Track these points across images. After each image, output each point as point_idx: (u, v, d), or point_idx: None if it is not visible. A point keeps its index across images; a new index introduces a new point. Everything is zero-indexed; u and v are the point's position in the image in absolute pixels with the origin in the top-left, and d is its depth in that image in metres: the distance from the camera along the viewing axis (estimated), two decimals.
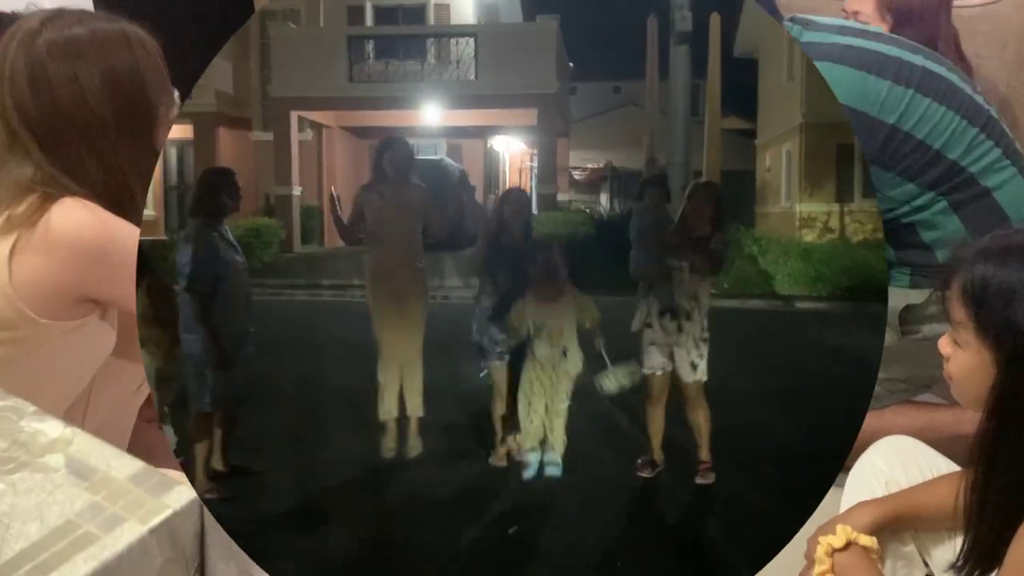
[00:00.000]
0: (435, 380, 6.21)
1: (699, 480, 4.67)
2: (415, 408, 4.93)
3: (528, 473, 4.36)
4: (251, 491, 4.85)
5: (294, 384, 6.38)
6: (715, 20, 17.45)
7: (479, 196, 19.02)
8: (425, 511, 4.35)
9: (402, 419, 4.86)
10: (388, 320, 4.81)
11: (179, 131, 17.32)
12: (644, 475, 4.74)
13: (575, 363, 4.32)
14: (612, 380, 4.46)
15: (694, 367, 4.68)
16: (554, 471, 4.40)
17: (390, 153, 5.08)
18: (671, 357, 4.68)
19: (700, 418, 4.79)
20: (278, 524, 4.66)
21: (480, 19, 21.73)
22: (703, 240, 4.68)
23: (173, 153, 20.77)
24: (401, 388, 4.88)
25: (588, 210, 21.23)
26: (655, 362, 4.73)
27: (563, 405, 4.36)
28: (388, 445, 4.82)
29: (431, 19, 21.85)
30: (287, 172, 18.64)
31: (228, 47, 18.08)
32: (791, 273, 14.53)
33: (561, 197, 16.78)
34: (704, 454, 4.78)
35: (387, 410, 4.87)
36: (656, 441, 4.82)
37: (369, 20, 21.83)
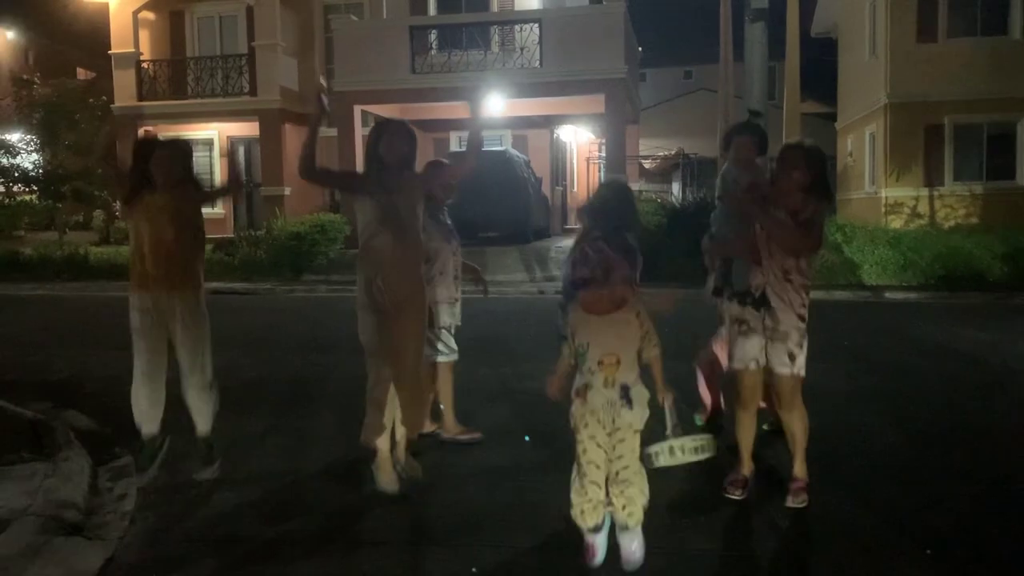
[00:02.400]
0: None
1: (790, 502, 3.93)
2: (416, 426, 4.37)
3: (595, 560, 3.33)
4: None
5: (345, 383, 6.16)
6: None
7: (545, 187, 18.50)
8: None
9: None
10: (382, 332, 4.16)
11: (246, 128, 17.38)
12: (735, 496, 4.03)
13: (639, 414, 3.27)
14: (669, 454, 3.34)
15: (792, 358, 3.90)
16: (633, 553, 3.30)
17: (387, 137, 4.23)
18: (764, 347, 3.95)
19: (795, 422, 4.03)
20: None
21: (545, 3, 21.08)
22: (795, 213, 3.78)
23: (240, 150, 20.83)
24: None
25: (659, 199, 20.51)
26: (747, 353, 3.99)
27: (630, 468, 3.28)
28: (384, 478, 4.19)
29: (494, 6, 21.36)
30: (352, 166, 18.46)
31: (292, 43, 17.88)
32: (879, 261, 13.65)
33: (631, 187, 15.87)
34: (798, 468, 4.05)
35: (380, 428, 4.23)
36: (747, 452, 4.15)
37: (432, 10, 21.40)
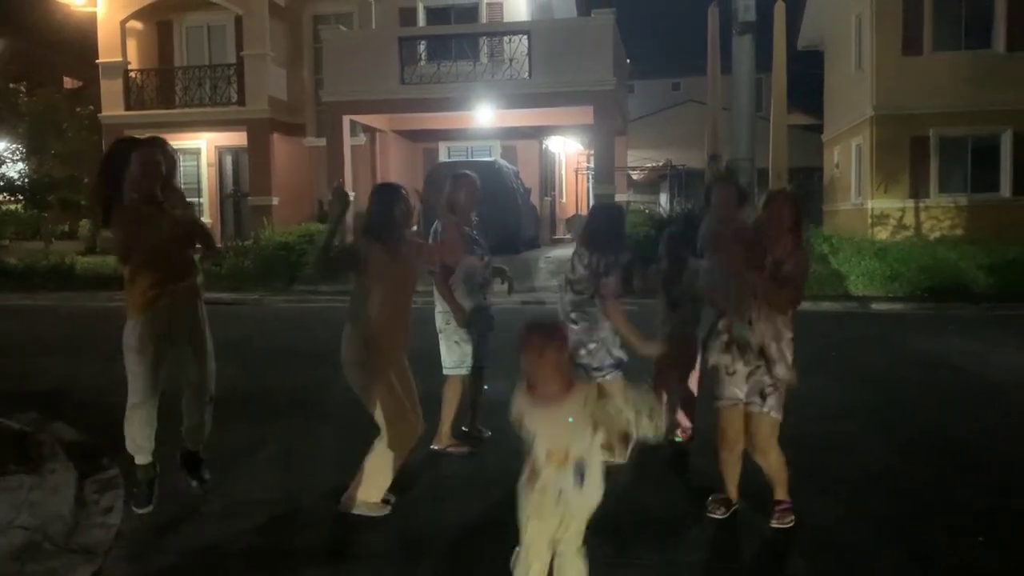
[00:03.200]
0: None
1: (775, 523, 3.93)
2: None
3: None
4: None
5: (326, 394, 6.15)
6: (780, 9, 16.70)
7: (535, 198, 18.51)
8: None
9: None
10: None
11: (234, 138, 17.35)
12: (717, 516, 4.05)
13: (594, 494, 2.98)
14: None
15: (763, 397, 3.89)
16: None
17: (402, 203, 4.16)
18: (746, 389, 3.92)
19: (772, 464, 3.98)
20: None
21: (533, 15, 21.17)
22: (779, 264, 3.78)
23: (229, 161, 20.79)
24: None
25: (647, 210, 20.58)
26: (732, 391, 3.98)
27: (572, 549, 2.98)
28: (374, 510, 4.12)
29: (483, 18, 21.44)
30: (340, 177, 18.40)
31: (282, 53, 17.94)
32: (866, 272, 13.77)
33: (619, 197, 16.14)
34: (780, 493, 4.04)
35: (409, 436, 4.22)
36: (732, 484, 4.14)
37: (421, 20, 21.48)
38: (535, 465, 2.85)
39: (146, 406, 4.15)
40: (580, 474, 2.83)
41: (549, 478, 2.82)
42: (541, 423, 2.83)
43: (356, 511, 3.97)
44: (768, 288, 3.72)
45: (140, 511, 4.05)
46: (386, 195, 4.16)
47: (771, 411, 3.85)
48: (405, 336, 4.12)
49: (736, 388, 3.91)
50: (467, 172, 5.25)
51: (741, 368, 3.85)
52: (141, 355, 4.11)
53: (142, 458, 4.18)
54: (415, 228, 4.95)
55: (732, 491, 4.06)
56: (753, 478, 4.00)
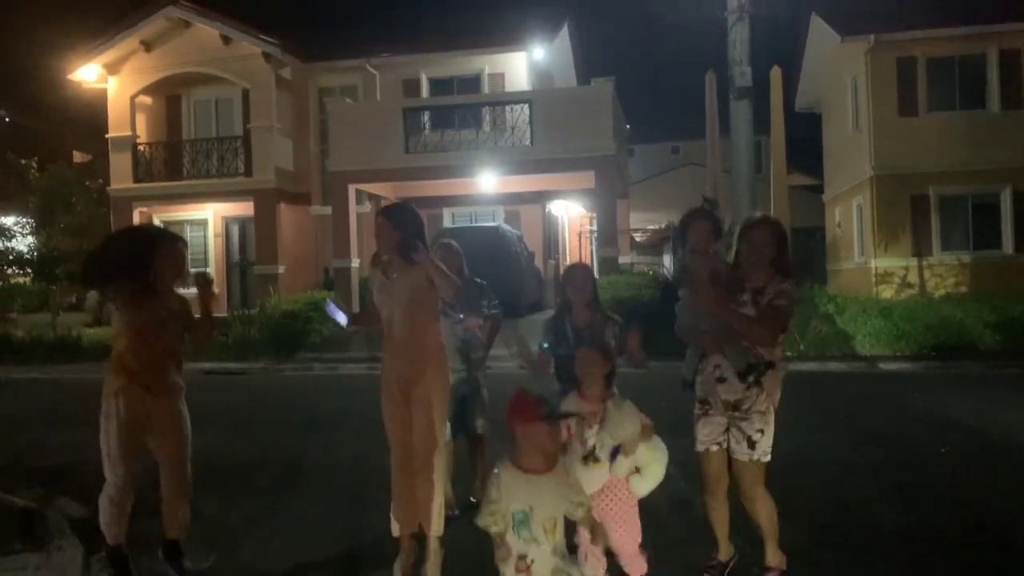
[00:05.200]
0: None
1: None
2: (435, 526, 4.15)
3: None
4: None
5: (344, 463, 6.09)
6: (776, 74, 17.04)
7: (538, 261, 18.64)
8: None
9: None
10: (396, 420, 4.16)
11: (240, 208, 17.61)
12: None
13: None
14: None
15: (752, 444, 3.70)
16: None
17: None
18: (727, 430, 3.77)
19: (759, 511, 3.78)
20: None
21: (534, 85, 21.62)
22: (759, 292, 3.63)
23: (236, 230, 21.05)
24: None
25: (651, 272, 20.69)
26: (709, 434, 3.80)
27: None
28: (403, 567, 4.09)
29: (485, 88, 21.93)
30: (345, 244, 18.67)
31: (288, 124, 18.35)
32: (872, 332, 13.73)
33: (622, 260, 16.25)
34: (771, 556, 3.81)
35: (402, 520, 4.18)
36: (723, 537, 3.93)
37: (425, 92, 21.96)
38: (527, 548, 2.82)
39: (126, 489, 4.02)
40: (565, 555, 2.88)
41: (544, 566, 2.81)
42: (535, 495, 2.83)
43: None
44: (744, 322, 3.58)
45: None
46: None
47: (760, 457, 3.67)
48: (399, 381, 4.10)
49: (715, 427, 3.73)
50: (445, 240, 5.42)
51: (718, 407, 3.68)
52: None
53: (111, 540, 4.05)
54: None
55: (724, 547, 3.87)
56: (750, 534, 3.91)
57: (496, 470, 2.92)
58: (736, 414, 3.66)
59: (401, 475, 4.08)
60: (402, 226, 4.14)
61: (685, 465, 4.02)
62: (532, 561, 2.82)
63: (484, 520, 2.88)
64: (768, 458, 3.68)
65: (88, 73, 20.63)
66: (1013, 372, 11.04)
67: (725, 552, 3.87)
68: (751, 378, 3.63)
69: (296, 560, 4.41)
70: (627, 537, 3.57)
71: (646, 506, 3.70)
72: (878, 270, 17.96)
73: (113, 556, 4.00)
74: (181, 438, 4.10)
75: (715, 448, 3.75)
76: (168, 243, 4.19)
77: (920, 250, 17.66)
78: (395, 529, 4.10)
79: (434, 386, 4.08)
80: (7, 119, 27.47)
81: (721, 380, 3.68)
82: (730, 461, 3.75)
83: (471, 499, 5.27)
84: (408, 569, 4.03)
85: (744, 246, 3.74)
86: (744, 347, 3.61)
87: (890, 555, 4.31)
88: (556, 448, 2.90)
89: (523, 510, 2.82)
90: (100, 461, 6.77)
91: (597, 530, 3.15)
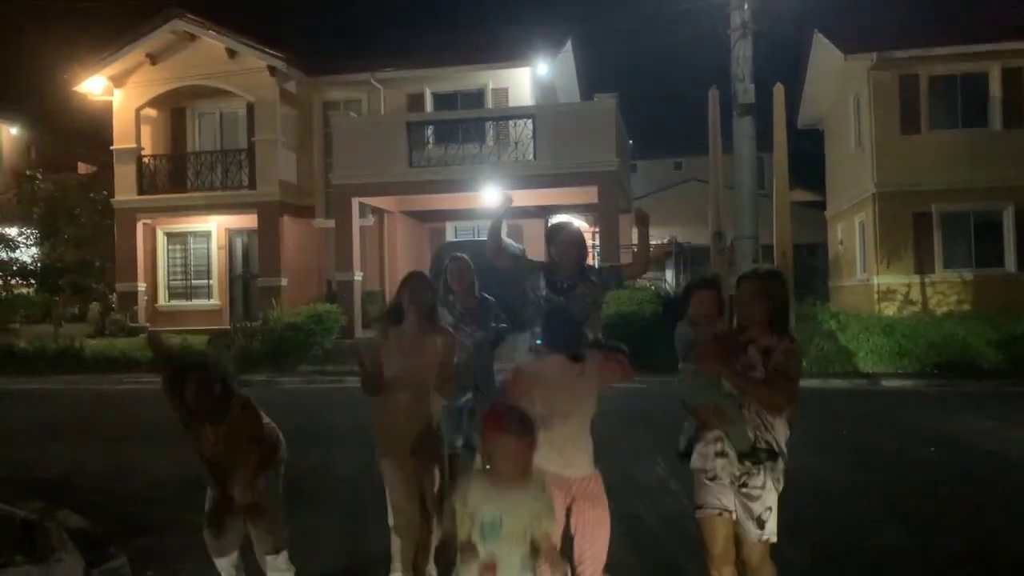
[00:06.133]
0: None
1: None
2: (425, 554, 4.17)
3: None
4: None
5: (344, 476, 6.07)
6: (779, 91, 17.07)
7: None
8: None
9: None
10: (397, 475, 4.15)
11: (244, 221, 17.67)
12: None
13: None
14: None
15: (761, 524, 3.39)
16: None
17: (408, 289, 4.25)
18: (734, 501, 3.43)
19: None
20: None
21: (538, 100, 21.69)
22: (767, 353, 3.37)
23: (239, 243, 21.12)
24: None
25: (653, 287, 20.59)
26: (718, 500, 3.44)
27: None
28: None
29: (489, 103, 22.01)
30: (348, 258, 18.71)
31: (292, 138, 18.48)
32: (874, 349, 13.70)
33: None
34: None
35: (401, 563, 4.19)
36: None
37: (429, 106, 22.04)
38: (491, 556, 2.81)
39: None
40: (525, 562, 2.86)
41: (509, 571, 2.80)
42: (506, 504, 2.82)
43: None
44: (758, 389, 3.32)
45: None
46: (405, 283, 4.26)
47: (769, 537, 3.40)
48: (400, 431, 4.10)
49: (721, 496, 3.42)
50: (458, 255, 5.41)
51: (724, 477, 3.41)
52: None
53: None
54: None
55: None
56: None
57: (469, 478, 2.95)
58: (743, 491, 3.40)
59: (407, 535, 4.07)
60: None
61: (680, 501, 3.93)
62: (496, 564, 2.81)
63: (457, 519, 2.90)
64: (775, 538, 3.42)
65: (94, 85, 20.74)
66: (1016, 391, 11.02)
67: None
68: (748, 464, 3.36)
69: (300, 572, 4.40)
70: (590, 552, 3.48)
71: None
72: (880, 287, 17.94)
73: None
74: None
75: (725, 515, 3.42)
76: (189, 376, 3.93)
77: (922, 267, 17.64)
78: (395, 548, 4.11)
79: (437, 442, 4.21)
80: (12, 131, 27.56)
81: (722, 455, 3.41)
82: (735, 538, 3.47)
83: None
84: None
85: (743, 304, 3.51)
86: (749, 418, 3.35)
87: (893, 573, 4.30)
88: (529, 460, 2.86)
89: (493, 519, 2.82)
90: (100, 473, 6.82)
91: (554, 557, 3.01)
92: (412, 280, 4.25)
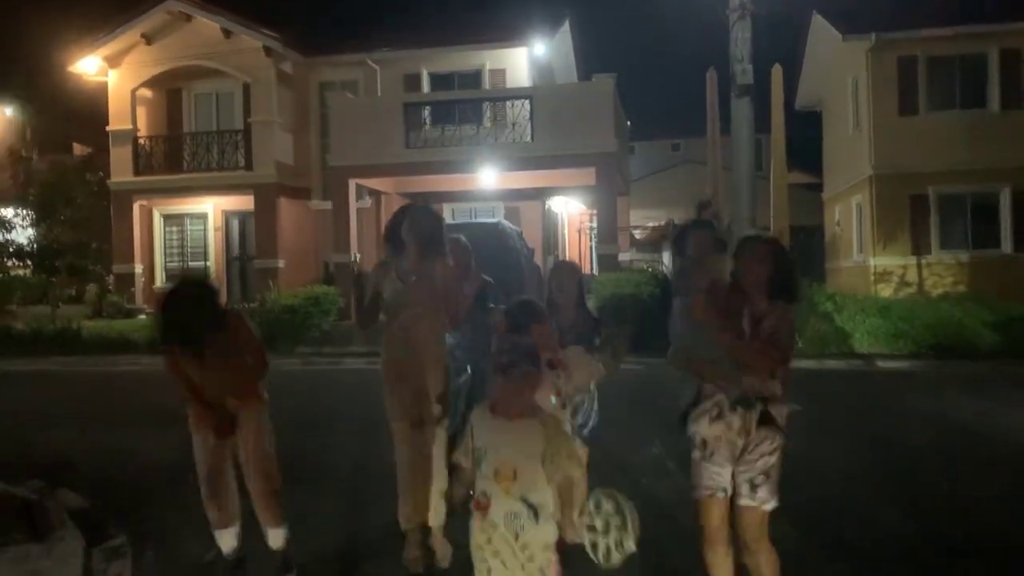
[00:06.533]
0: None
1: None
2: (436, 515, 4.22)
3: None
4: None
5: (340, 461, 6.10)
6: (777, 73, 17.07)
7: (538, 258, 18.60)
8: None
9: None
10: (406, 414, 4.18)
11: (241, 202, 17.65)
12: None
13: (549, 529, 2.89)
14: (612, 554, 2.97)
15: (754, 487, 3.34)
16: None
17: (410, 222, 4.29)
18: (732, 476, 3.38)
19: (763, 564, 3.39)
20: None
21: (535, 81, 21.62)
22: (760, 319, 3.31)
23: (236, 224, 21.10)
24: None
25: (651, 269, 20.67)
26: (714, 479, 3.39)
27: None
28: (412, 554, 4.19)
29: (486, 83, 21.94)
30: (345, 239, 18.70)
31: (288, 119, 18.42)
32: (870, 331, 13.77)
33: (622, 256, 16.24)
34: None
35: (408, 515, 4.22)
36: None
37: (425, 87, 21.98)
38: (485, 485, 2.80)
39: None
40: (531, 506, 2.78)
41: (500, 507, 2.76)
42: (492, 437, 2.81)
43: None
44: (744, 350, 3.28)
45: None
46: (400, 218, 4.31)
47: (763, 503, 3.34)
48: (422, 373, 4.12)
49: (717, 475, 3.37)
50: (455, 235, 5.44)
51: (727, 445, 3.34)
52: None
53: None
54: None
55: None
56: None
57: (472, 413, 2.96)
58: (740, 458, 3.35)
59: (410, 473, 4.11)
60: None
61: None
62: (488, 497, 2.79)
63: (456, 454, 2.92)
64: (771, 506, 3.35)
65: (89, 66, 20.63)
66: (1011, 372, 11.06)
67: None
68: (740, 411, 3.30)
69: (297, 554, 4.43)
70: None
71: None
72: (877, 269, 17.98)
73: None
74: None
75: (721, 495, 3.39)
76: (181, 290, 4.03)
77: (919, 249, 17.67)
78: (404, 521, 4.13)
79: (440, 380, 4.21)
80: (7, 112, 27.41)
81: (721, 418, 3.35)
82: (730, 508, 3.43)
83: (469, 492, 5.31)
84: (417, 559, 4.09)
85: (740, 263, 3.44)
86: (739, 377, 3.30)
87: (889, 559, 4.33)
88: (527, 397, 2.85)
89: (481, 446, 2.83)
90: (99, 453, 6.85)
91: (568, 499, 2.93)
92: (411, 211, 4.32)
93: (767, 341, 3.26)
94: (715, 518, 3.37)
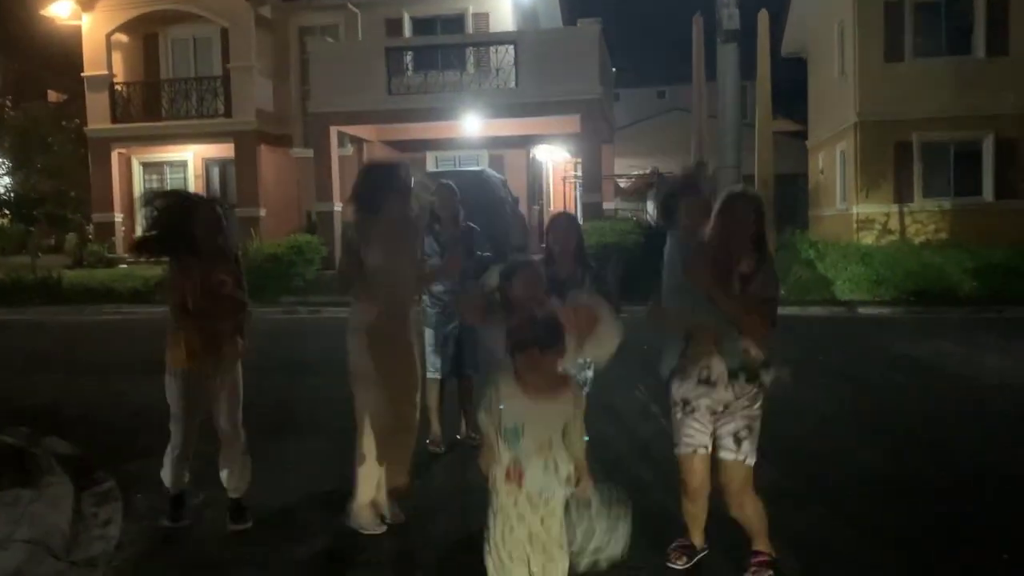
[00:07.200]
0: None
1: None
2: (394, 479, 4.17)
3: None
4: None
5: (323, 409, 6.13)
6: (763, 18, 16.94)
7: (523, 206, 18.61)
8: None
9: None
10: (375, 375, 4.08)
11: (221, 150, 17.46)
12: (678, 567, 3.54)
13: (565, 486, 2.90)
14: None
15: (738, 442, 3.38)
16: None
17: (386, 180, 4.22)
18: (713, 434, 3.43)
19: (750, 513, 3.46)
20: None
21: (519, 25, 21.32)
22: (745, 280, 3.30)
23: (216, 172, 20.86)
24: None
25: (635, 218, 20.71)
26: (692, 436, 3.46)
27: (555, 542, 2.91)
28: (364, 520, 4.08)
29: (470, 28, 21.61)
30: (328, 188, 18.57)
31: (268, 65, 18.08)
32: (851, 278, 13.90)
33: (607, 206, 16.25)
34: (760, 543, 3.48)
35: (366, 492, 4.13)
36: (698, 530, 3.62)
37: (407, 32, 21.63)
38: (520, 459, 2.78)
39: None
40: (560, 474, 2.81)
41: (537, 471, 2.77)
42: (529, 414, 2.78)
43: (351, 524, 3.99)
44: (739, 311, 3.25)
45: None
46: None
47: (746, 458, 3.38)
48: (395, 333, 4.10)
49: (699, 432, 3.42)
50: (444, 182, 5.44)
51: (702, 407, 3.38)
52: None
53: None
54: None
55: (697, 537, 3.64)
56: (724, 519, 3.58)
57: (497, 381, 2.86)
58: (723, 411, 3.38)
59: (393, 435, 4.07)
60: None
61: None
62: (523, 470, 2.79)
63: (481, 420, 2.89)
64: (754, 460, 3.41)
65: (61, 9, 20.11)
66: (990, 317, 11.25)
67: (699, 541, 3.63)
68: (741, 378, 3.30)
69: (283, 499, 4.48)
70: None
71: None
72: (859, 216, 18.04)
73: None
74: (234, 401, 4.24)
75: (703, 451, 3.45)
76: (203, 208, 4.14)
77: (902, 197, 17.72)
78: (365, 495, 4.07)
79: (415, 330, 4.27)
80: None
81: (708, 383, 3.35)
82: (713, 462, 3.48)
83: (456, 437, 5.38)
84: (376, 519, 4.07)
85: (725, 220, 3.35)
86: (740, 342, 3.29)
87: (870, 497, 4.42)
88: (555, 370, 2.81)
89: (515, 425, 2.80)
90: (83, 401, 6.85)
91: (580, 468, 2.93)
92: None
93: (760, 305, 3.27)
94: (696, 474, 3.47)
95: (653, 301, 3.67)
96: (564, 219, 4.47)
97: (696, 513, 3.58)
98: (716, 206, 3.41)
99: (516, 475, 2.78)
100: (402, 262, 4.10)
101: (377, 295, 4.02)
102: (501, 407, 2.81)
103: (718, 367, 3.32)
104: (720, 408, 3.36)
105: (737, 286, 3.28)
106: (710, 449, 3.43)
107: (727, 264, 3.28)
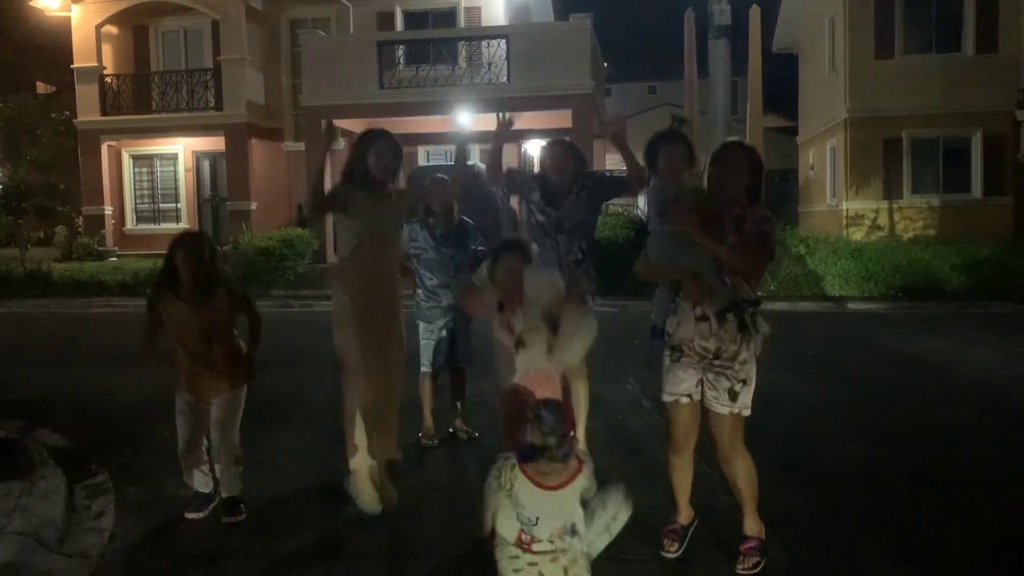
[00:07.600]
0: None
1: (740, 569, 3.36)
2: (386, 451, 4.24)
3: None
4: None
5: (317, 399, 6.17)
6: (755, 13, 16.97)
7: (514, 200, 18.39)
8: None
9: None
10: (359, 343, 4.14)
11: (212, 143, 17.41)
12: (670, 553, 3.50)
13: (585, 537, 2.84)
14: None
15: (733, 396, 3.34)
16: None
17: (377, 148, 4.21)
18: (700, 381, 3.41)
19: (738, 472, 3.44)
20: None
21: (511, 20, 21.30)
22: (739, 221, 3.29)
23: (206, 165, 20.81)
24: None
25: (626, 213, 20.72)
26: (679, 384, 3.44)
27: None
28: (364, 499, 4.14)
29: (461, 22, 21.57)
30: (321, 182, 17.78)
31: (259, 57, 18.02)
32: (841, 273, 13.99)
33: None
34: (749, 525, 3.47)
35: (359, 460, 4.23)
36: (684, 499, 3.62)
37: (399, 25, 21.56)
38: (527, 529, 2.70)
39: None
40: (572, 532, 2.74)
41: (546, 546, 2.69)
42: (543, 507, 2.69)
43: (349, 491, 4.12)
44: (730, 250, 3.22)
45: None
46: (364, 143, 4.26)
47: (741, 410, 3.35)
48: (378, 302, 4.16)
49: (687, 380, 3.40)
50: (439, 175, 5.45)
51: (700, 350, 3.33)
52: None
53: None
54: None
55: (684, 510, 3.63)
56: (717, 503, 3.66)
57: (511, 466, 2.71)
58: (716, 362, 3.33)
59: (377, 407, 4.15)
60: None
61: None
62: (536, 542, 2.70)
63: (490, 506, 2.76)
64: (749, 412, 3.38)
65: (50, 0, 19.99)
66: (977, 312, 11.35)
67: (686, 515, 3.63)
68: (732, 317, 3.26)
69: (276, 491, 4.50)
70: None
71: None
72: (849, 212, 18.14)
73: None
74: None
75: (686, 400, 3.42)
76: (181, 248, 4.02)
77: (891, 193, 17.84)
78: (358, 463, 4.17)
79: (399, 306, 4.31)
80: None
81: (702, 320, 3.30)
82: (705, 416, 3.45)
83: (449, 431, 5.40)
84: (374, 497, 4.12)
85: (718, 170, 3.36)
86: (726, 284, 3.27)
87: (857, 488, 4.47)
88: (572, 458, 2.69)
89: (531, 517, 2.70)
90: (75, 394, 6.85)
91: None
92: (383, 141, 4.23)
93: (756, 235, 3.25)
94: (680, 423, 3.47)
95: (643, 253, 3.73)
96: (560, 146, 4.86)
97: (681, 467, 3.55)
98: (710, 155, 3.43)
99: (529, 543, 2.71)
100: (386, 234, 4.24)
101: (363, 260, 4.12)
102: (520, 502, 2.68)
103: (708, 307, 3.29)
104: (710, 355, 3.32)
105: (731, 229, 3.26)
106: (698, 399, 3.41)
107: (715, 212, 3.29)
